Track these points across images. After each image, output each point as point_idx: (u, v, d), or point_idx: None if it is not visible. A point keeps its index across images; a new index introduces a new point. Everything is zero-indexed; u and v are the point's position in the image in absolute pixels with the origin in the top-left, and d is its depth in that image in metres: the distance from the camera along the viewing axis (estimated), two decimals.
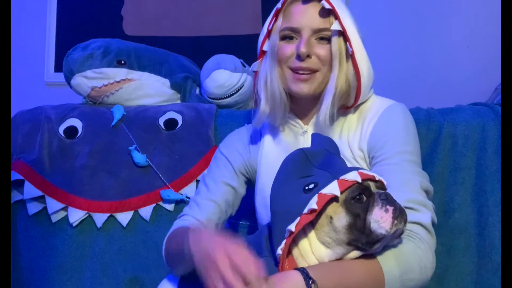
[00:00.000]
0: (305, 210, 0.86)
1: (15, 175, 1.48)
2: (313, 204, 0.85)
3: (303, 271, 0.86)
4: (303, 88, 1.11)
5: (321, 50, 1.10)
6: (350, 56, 1.11)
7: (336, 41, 1.10)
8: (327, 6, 1.08)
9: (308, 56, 1.09)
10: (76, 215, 1.47)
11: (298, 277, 0.85)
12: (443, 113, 1.43)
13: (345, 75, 1.11)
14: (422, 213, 1.00)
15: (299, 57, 1.09)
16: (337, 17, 1.09)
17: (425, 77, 2.15)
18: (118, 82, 1.62)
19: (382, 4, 2.20)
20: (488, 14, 2.12)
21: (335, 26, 1.09)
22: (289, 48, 1.11)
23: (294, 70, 1.11)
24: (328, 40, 1.11)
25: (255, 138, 1.25)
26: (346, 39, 1.10)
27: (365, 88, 1.13)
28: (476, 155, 1.37)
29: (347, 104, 1.14)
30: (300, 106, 1.18)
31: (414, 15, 2.19)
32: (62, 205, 1.48)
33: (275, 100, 1.14)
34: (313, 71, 1.11)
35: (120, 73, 1.62)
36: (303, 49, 1.08)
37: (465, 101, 1.58)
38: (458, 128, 1.39)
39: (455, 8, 2.17)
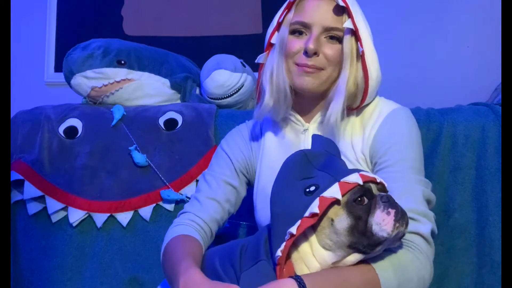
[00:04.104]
0: (307, 214, 0.85)
1: (15, 175, 1.48)
2: (314, 208, 0.85)
3: (300, 283, 0.84)
4: (308, 82, 1.10)
5: (329, 49, 1.09)
6: (360, 57, 1.09)
7: (348, 41, 1.08)
8: (341, 3, 1.07)
9: (315, 53, 1.08)
10: (76, 215, 1.47)
11: (293, 287, 0.84)
12: (443, 113, 1.43)
13: (354, 77, 1.09)
14: (422, 223, 0.98)
15: (306, 53, 1.08)
16: (350, 16, 1.08)
17: (425, 77, 2.15)
18: (118, 82, 1.62)
19: (382, 4, 2.20)
20: (488, 14, 2.12)
21: (348, 24, 1.07)
22: (297, 44, 1.10)
23: (300, 66, 1.10)
24: (337, 39, 1.09)
25: (257, 135, 1.25)
26: (357, 38, 1.08)
27: (372, 90, 1.11)
28: (476, 155, 1.37)
29: (352, 105, 1.13)
30: (303, 103, 1.17)
31: (414, 15, 2.19)
32: (62, 205, 1.48)
33: (280, 94, 1.13)
34: (319, 69, 1.09)
35: (120, 73, 1.62)
36: (311, 46, 1.07)
37: (465, 101, 1.58)
38: (458, 128, 1.39)
39: (455, 8, 2.17)
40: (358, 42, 1.08)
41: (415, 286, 0.92)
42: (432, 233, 1.00)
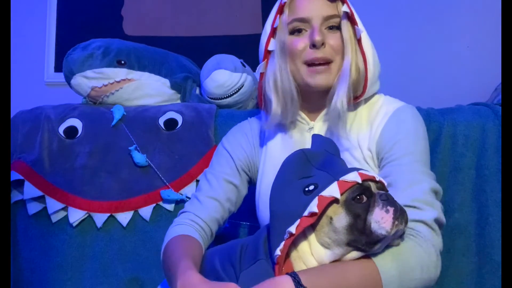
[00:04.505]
0: (306, 213, 0.85)
1: (15, 175, 1.48)
2: (313, 207, 0.85)
3: (295, 278, 0.84)
4: (321, 80, 1.10)
5: (332, 39, 1.10)
6: (358, 41, 1.10)
7: (346, 26, 1.09)
8: None
9: (323, 45, 1.08)
10: (76, 215, 1.47)
11: (288, 284, 0.83)
12: (443, 113, 1.43)
13: (355, 62, 1.10)
14: (425, 211, 0.98)
15: (314, 46, 1.08)
16: (344, 1, 1.09)
17: (425, 77, 2.15)
18: (118, 82, 1.62)
19: (382, 4, 2.20)
20: (488, 14, 2.12)
21: (344, 8, 1.09)
22: (301, 41, 1.10)
23: (310, 63, 1.10)
24: (337, 28, 1.11)
25: (260, 132, 1.24)
26: (353, 23, 1.10)
27: (371, 75, 1.12)
28: (476, 155, 1.37)
29: (356, 93, 1.13)
30: (309, 102, 1.16)
31: (414, 15, 2.19)
32: (62, 205, 1.48)
33: (286, 98, 1.12)
34: (328, 62, 1.10)
35: (120, 73, 1.62)
36: (318, 37, 1.07)
37: (465, 101, 1.58)
38: (458, 128, 1.39)
39: (455, 8, 2.17)
40: (355, 26, 1.10)
41: (418, 274, 0.90)
42: (439, 222, 0.98)
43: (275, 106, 1.14)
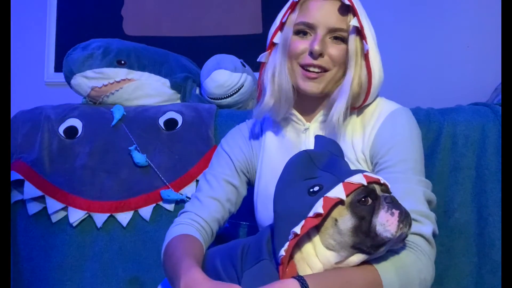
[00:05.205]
0: (311, 214, 0.85)
1: (15, 175, 1.48)
2: (319, 208, 0.85)
3: (303, 283, 0.84)
4: (312, 87, 1.10)
5: (334, 50, 1.09)
6: (364, 56, 1.09)
7: (353, 40, 1.08)
8: (347, 2, 1.07)
9: (321, 55, 1.08)
10: (76, 215, 1.47)
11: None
12: (443, 113, 1.43)
13: (359, 76, 1.09)
14: (424, 224, 0.98)
15: (312, 55, 1.08)
16: (356, 14, 1.08)
17: (425, 77, 2.15)
18: (118, 82, 1.62)
19: (382, 3, 2.20)
20: (488, 14, 2.13)
21: (354, 22, 1.07)
22: (302, 44, 1.10)
23: (305, 67, 1.09)
24: (342, 40, 1.09)
25: (257, 134, 1.24)
26: (362, 37, 1.08)
27: (374, 90, 1.11)
28: (476, 155, 1.37)
29: (355, 105, 1.13)
30: (306, 103, 1.16)
31: (414, 15, 2.19)
32: (62, 205, 1.48)
33: (282, 94, 1.12)
34: (324, 70, 1.09)
35: (120, 73, 1.62)
36: (317, 47, 1.07)
37: (465, 101, 1.59)
38: (458, 128, 1.39)
39: (455, 8, 2.17)
40: (363, 41, 1.08)
41: (417, 287, 0.92)
42: (434, 234, 1.00)
43: (268, 97, 1.14)
